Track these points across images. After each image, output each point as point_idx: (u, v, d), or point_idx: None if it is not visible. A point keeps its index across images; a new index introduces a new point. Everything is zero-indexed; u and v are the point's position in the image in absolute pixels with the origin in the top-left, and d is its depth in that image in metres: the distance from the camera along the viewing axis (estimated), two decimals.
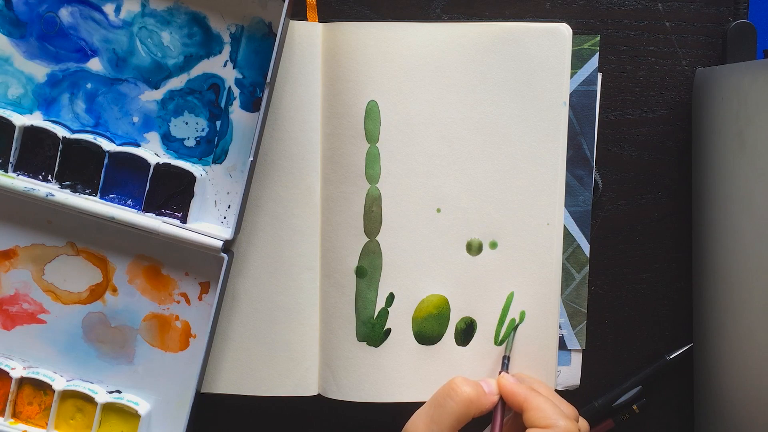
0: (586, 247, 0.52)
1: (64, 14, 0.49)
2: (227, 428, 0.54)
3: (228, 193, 0.50)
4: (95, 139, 0.49)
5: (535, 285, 0.50)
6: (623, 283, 0.53)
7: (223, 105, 0.50)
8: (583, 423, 0.48)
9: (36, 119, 0.50)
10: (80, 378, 0.52)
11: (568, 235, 0.52)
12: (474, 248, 0.50)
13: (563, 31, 0.49)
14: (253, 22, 0.49)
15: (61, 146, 0.49)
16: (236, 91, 0.49)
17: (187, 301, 0.51)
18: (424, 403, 0.47)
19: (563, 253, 0.51)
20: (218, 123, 0.50)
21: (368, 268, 0.50)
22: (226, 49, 0.49)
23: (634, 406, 0.53)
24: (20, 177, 0.49)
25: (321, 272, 0.51)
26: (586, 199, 0.52)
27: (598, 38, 0.51)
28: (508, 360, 0.50)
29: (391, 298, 0.50)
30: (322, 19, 0.51)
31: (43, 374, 0.51)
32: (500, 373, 0.49)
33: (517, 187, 0.50)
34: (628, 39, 0.52)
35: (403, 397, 0.50)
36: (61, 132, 0.49)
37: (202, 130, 0.50)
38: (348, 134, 0.49)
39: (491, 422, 0.47)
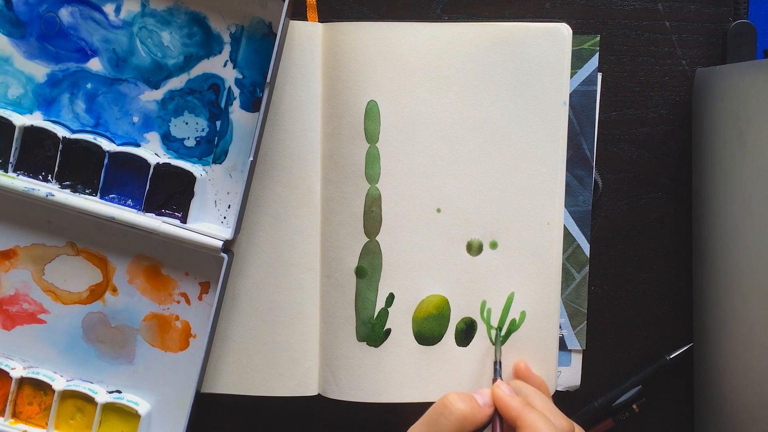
0: (586, 247, 0.52)
1: (64, 14, 0.49)
2: (227, 428, 0.54)
3: (228, 193, 0.50)
4: (95, 139, 0.49)
5: (535, 285, 0.50)
6: (623, 283, 0.53)
7: (223, 105, 0.50)
8: None
9: (36, 119, 0.50)
10: (80, 378, 0.52)
11: (568, 235, 0.52)
12: (474, 248, 0.50)
13: (563, 31, 0.49)
14: (253, 22, 0.49)
15: (61, 146, 0.49)
16: (236, 91, 0.49)
17: (187, 301, 0.51)
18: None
19: (563, 253, 0.51)
20: (218, 123, 0.50)
21: (368, 268, 0.50)
22: (226, 49, 0.49)
23: (634, 406, 0.53)
24: (20, 177, 0.49)
25: (321, 272, 0.51)
26: (586, 199, 0.52)
27: (598, 38, 0.51)
28: (500, 365, 0.49)
29: (391, 298, 0.50)
30: (322, 19, 0.51)
31: (43, 374, 0.51)
32: (494, 380, 0.48)
33: (517, 187, 0.50)
34: (628, 39, 0.52)
35: (403, 397, 0.50)
36: (61, 132, 0.49)
37: (202, 130, 0.50)
38: (348, 134, 0.49)
39: None
